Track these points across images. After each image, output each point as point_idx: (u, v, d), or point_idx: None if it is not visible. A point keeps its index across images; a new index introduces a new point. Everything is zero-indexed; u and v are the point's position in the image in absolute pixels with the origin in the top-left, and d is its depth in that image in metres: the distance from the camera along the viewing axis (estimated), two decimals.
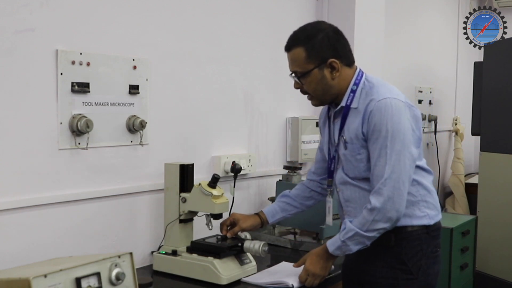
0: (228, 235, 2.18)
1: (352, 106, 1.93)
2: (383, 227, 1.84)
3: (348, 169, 1.97)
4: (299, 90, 2.00)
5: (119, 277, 1.65)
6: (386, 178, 1.82)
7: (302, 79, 1.93)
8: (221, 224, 2.22)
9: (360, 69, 2.00)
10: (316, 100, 2.01)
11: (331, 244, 1.93)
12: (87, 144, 2.13)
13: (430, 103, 4.74)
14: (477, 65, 4.13)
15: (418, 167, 1.93)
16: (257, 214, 2.25)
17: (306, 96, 2.01)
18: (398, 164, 1.82)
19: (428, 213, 1.94)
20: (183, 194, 2.24)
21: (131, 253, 1.71)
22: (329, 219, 2.15)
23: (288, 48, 1.95)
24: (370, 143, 1.87)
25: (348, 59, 1.97)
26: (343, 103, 1.95)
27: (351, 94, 1.94)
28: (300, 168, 2.87)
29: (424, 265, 1.93)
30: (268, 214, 2.24)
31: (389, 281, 1.93)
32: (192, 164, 2.32)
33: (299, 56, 1.91)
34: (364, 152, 1.90)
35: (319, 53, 1.90)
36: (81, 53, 2.11)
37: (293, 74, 1.96)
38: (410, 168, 1.85)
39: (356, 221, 1.87)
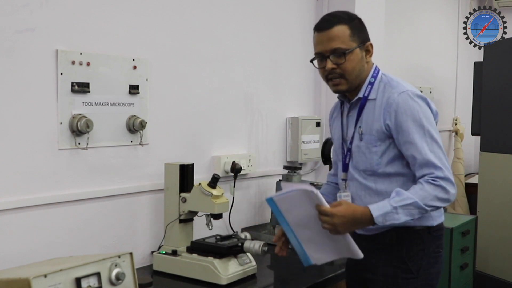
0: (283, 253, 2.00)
1: (370, 97, 1.93)
2: (441, 205, 1.83)
3: (359, 161, 1.94)
4: (327, 74, 1.92)
5: (119, 277, 1.65)
6: (438, 164, 1.82)
7: (347, 56, 1.89)
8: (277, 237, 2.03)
9: (376, 65, 2.01)
10: (345, 84, 1.93)
11: (377, 209, 1.77)
12: (87, 144, 2.13)
13: None
14: (477, 65, 4.13)
15: None
16: None
17: (332, 81, 1.93)
18: (440, 149, 1.86)
19: (431, 214, 1.92)
20: (183, 194, 2.24)
21: (131, 253, 1.71)
22: None
23: (330, 25, 1.90)
24: (404, 134, 1.85)
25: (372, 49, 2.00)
26: (360, 94, 1.95)
27: (369, 86, 1.94)
28: (300, 168, 2.87)
29: (425, 264, 1.92)
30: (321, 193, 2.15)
31: (389, 280, 1.93)
32: (192, 164, 2.32)
33: (344, 33, 1.89)
34: (380, 146, 1.89)
35: (361, 34, 1.93)
36: (81, 53, 2.11)
37: (328, 54, 1.90)
38: (446, 153, 1.91)
39: (413, 192, 1.79)
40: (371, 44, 1.96)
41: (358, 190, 1.96)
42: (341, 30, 1.90)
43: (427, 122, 1.86)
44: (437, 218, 1.95)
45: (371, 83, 1.95)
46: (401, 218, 1.77)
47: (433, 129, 1.86)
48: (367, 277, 1.98)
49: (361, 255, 1.80)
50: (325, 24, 1.92)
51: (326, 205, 1.76)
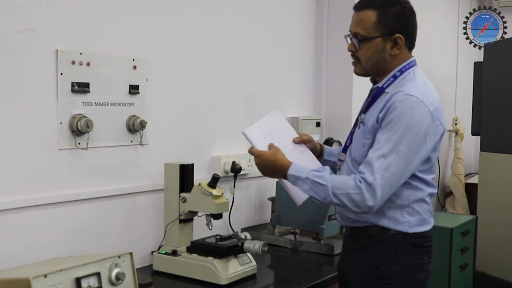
0: (296, 140, 2.04)
1: (386, 90, 1.85)
2: (348, 206, 1.75)
3: (353, 148, 1.92)
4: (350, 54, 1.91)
5: (119, 277, 1.65)
6: (375, 170, 1.73)
7: (362, 44, 1.86)
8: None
9: (415, 61, 1.92)
10: (361, 69, 1.91)
11: (294, 169, 1.84)
12: (87, 144, 2.13)
13: None
14: (477, 65, 4.12)
15: (421, 179, 1.85)
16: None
17: (353, 61, 1.92)
18: (395, 164, 1.73)
19: (409, 220, 1.83)
20: (183, 194, 2.24)
21: (131, 253, 1.71)
22: None
23: (360, 7, 1.86)
24: (380, 131, 1.78)
25: (412, 42, 1.91)
26: (380, 84, 1.89)
27: (392, 79, 1.86)
28: None
29: (400, 271, 1.83)
30: (327, 151, 2.15)
31: (361, 283, 1.89)
32: (192, 164, 2.32)
33: (369, 19, 1.83)
34: (369, 139, 1.83)
35: (390, 24, 1.83)
36: (81, 53, 2.11)
37: (351, 36, 1.88)
38: (402, 175, 1.76)
39: (335, 179, 1.79)
40: (400, 37, 1.84)
41: (347, 174, 1.91)
42: (367, 16, 1.84)
43: (407, 132, 1.73)
44: (415, 226, 1.84)
45: (395, 77, 1.86)
46: (307, 190, 1.81)
47: (406, 142, 1.73)
48: (347, 279, 1.95)
49: (298, 202, 1.93)
50: (358, 4, 1.88)
51: (256, 147, 1.93)
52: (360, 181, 1.73)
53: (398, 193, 1.81)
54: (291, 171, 1.84)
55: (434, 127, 1.79)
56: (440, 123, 1.81)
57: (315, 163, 2.02)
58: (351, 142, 1.96)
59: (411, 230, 1.84)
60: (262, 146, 1.95)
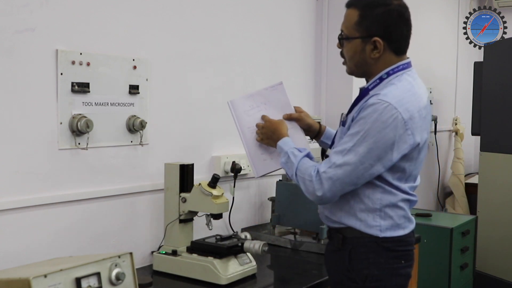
0: (285, 116, 2.11)
1: (371, 92, 1.81)
2: (303, 190, 1.83)
3: (336, 145, 1.89)
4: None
5: (119, 277, 1.65)
6: (334, 164, 1.74)
7: (345, 42, 1.85)
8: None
9: (407, 64, 1.85)
10: (348, 68, 1.91)
11: (283, 142, 1.96)
12: (87, 144, 2.13)
13: (430, 103, 4.72)
14: (477, 65, 4.13)
15: (395, 186, 1.80)
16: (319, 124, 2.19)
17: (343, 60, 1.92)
18: (351, 164, 1.72)
19: (380, 224, 1.80)
20: (183, 194, 2.24)
21: (131, 253, 1.71)
22: None
23: (348, 4, 1.86)
24: (349, 129, 1.78)
25: (398, 46, 1.82)
26: (366, 85, 1.87)
27: (377, 81, 1.82)
28: None
29: (372, 275, 1.80)
30: (327, 133, 2.15)
31: (336, 285, 1.91)
32: (192, 164, 2.32)
33: (351, 18, 1.82)
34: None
35: (369, 26, 1.78)
36: (81, 53, 2.11)
37: (340, 33, 1.88)
38: (358, 175, 1.74)
39: (303, 162, 1.85)
40: (378, 41, 1.78)
41: None
42: (351, 14, 1.83)
43: (369, 135, 1.70)
44: (387, 231, 1.80)
45: (382, 79, 1.81)
46: (283, 163, 1.93)
47: (366, 145, 1.71)
48: (328, 281, 1.99)
49: (255, 175, 2.07)
50: (347, 1, 1.87)
51: (235, 119, 2.07)
52: (314, 171, 1.79)
53: (371, 196, 1.79)
54: (280, 143, 1.96)
55: (405, 136, 1.73)
56: (411, 133, 1.74)
57: (300, 141, 2.06)
58: (333, 142, 1.98)
59: (382, 235, 1.80)
60: (243, 118, 2.06)
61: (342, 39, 1.86)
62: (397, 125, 1.71)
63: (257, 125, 2.07)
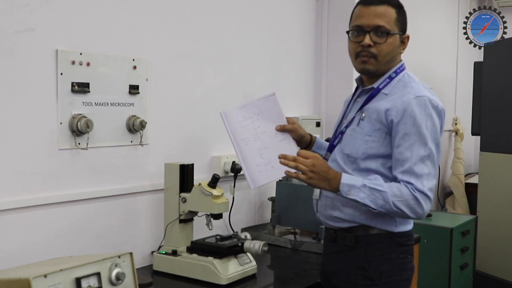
0: (278, 127, 2.04)
1: (383, 91, 1.88)
2: (407, 213, 1.76)
3: (347, 145, 1.90)
4: (359, 50, 1.87)
5: (119, 277, 1.64)
6: (420, 176, 1.76)
7: (388, 37, 1.85)
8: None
9: (403, 62, 1.96)
10: (374, 65, 1.87)
11: (348, 178, 1.78)
12: (87, 144, 2.13)
13: None
14: (477, 65, 4.13)
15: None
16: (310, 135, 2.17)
17: (362, 58, 1.88)
18: (432, 166, 1.79)
19: (394, 219, 1.86)
20: (183, 194, 2.24)
21: (131, 253, 1.71)
22: (316, 192, 2.04)
23: (380, 2, 1.87)
24: (400, 136, 1.79)
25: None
26: (375, 85, 1.89)
27: (387, 80, 1.89)
28: None
29: (387, 271, 1.85)
30: (318, 143, 2.16)
31: (348, 285, 1.89)
32: (192, 164, 2.32)
33: (391, 15, 1.86)
34: (374, 137, 1.84)
35: (404, 23, 1.91)
36: (81, 53, 2.11)
37: (369, 30, 1.85)
38: (436, 172, 1.83)
39: (389, 186, 1.77)
40: (408, 37, 1.92)
41: None
42: (389, 11, 1.87)
43: (430, 133, 1.79)
44: (400, 225, 1.87)
45: (391, 78, 1.89)
46: (364, 198, 1.75)
47: (432, 142, 1.80)
48: (333, 283, 1.96)
49: (251, 186, 1.95)
50: (374, 0, 1.88)
51: (229, 130, 1.99)
52: (413, 190, 1.75)
53: None
54: (344, 180, 1.78)
55: (443, 125, 1.87)
56: (444, 117, 1.88)
57: (293, 152, 1.99)
58: (339, 141, 1.96)
59: (396, 229, 1.87)
60: (236, 130, 1.99)
61: (388, 34, 1.85)
62: (441, 115, 1.85)
63: (301, 162, 1.78)
